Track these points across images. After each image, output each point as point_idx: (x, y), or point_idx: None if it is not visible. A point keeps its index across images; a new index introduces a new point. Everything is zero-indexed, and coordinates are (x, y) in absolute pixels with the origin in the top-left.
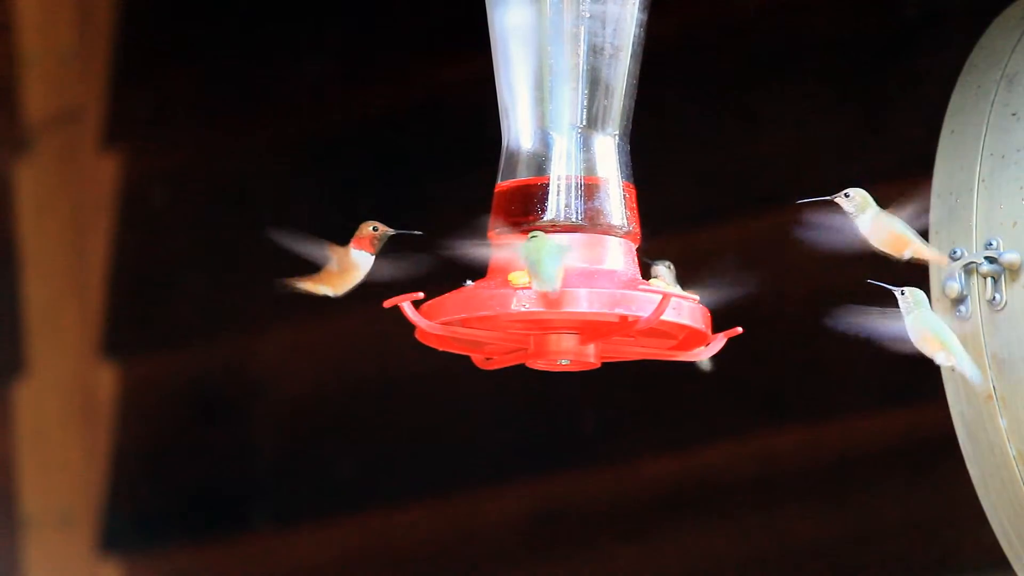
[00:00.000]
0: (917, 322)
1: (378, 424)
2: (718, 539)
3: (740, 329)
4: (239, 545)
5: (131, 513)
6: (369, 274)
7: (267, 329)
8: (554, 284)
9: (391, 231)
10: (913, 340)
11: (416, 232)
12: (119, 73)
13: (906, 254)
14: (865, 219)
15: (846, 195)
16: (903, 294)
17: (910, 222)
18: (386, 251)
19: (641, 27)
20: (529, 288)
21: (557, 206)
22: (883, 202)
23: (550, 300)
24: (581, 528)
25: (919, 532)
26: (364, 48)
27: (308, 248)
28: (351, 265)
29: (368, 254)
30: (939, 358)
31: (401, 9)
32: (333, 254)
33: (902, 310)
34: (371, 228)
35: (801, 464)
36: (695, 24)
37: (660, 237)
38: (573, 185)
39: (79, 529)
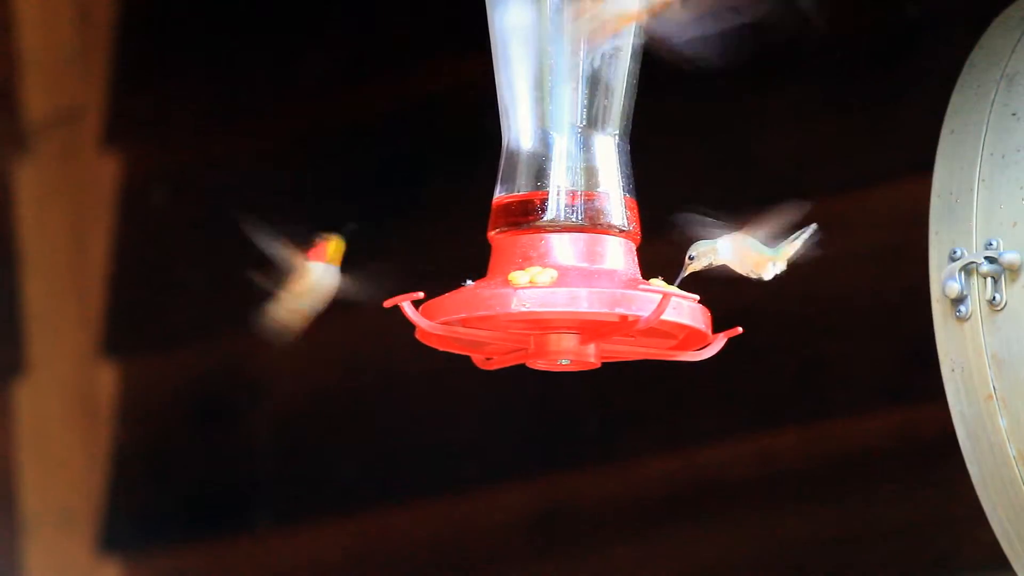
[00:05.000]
0: (734, 247)
1: (378, 424)
2: (718, 539)
3: (740, 329)
4: (239, 545)
5: (131, 513)
6: (368, 277)
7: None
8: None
9: (334, 236)
10: (739, 269)
11: (351, 227)
12: (119, 73)
13: (768, 270)
14: (721, 256)
15: (690, 257)
16: (692, 258)
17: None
18: (383, 253)
19: (641, 27)
20: (529, 287)
21: (557, 206)
22: (884, 203)
23: (542, 292)
24: (581, 528)
25: (919, 532)
26: (365, 48)
27: (273, 248)
28: (312, 280)
29: (335, 266)
30: (770, 271)
31: (402, 9)
32: (294, 261)
33: (710, 262)
34: (326, 240)
35: (801, 464)
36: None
37: (659, 237)
38: (573, 185)
39: (79, 529)
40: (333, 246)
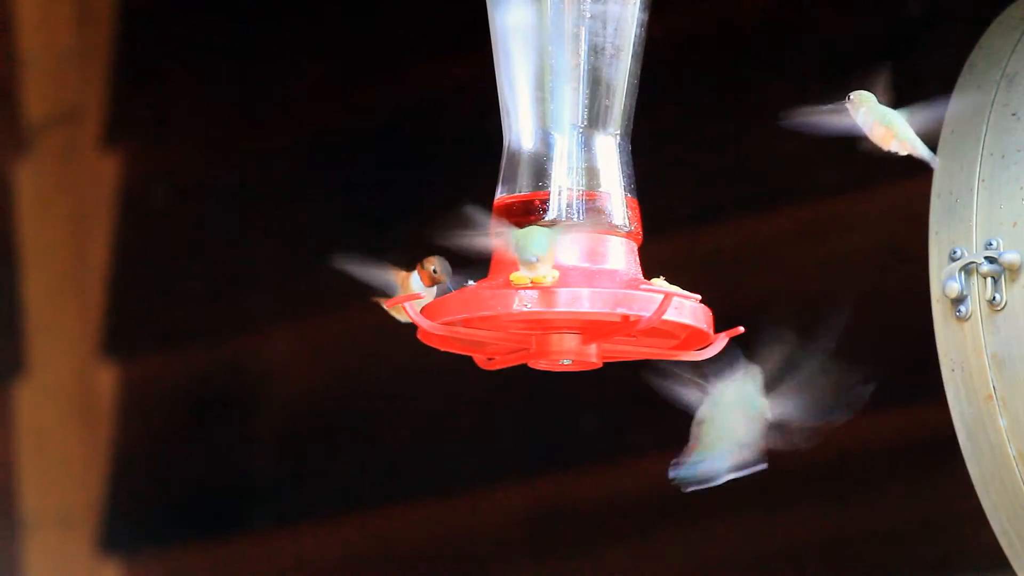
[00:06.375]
0: (867, 114)
1: (378, 424)
2: (718, 539)
3: (742, 328)
4: (239, 545)
5: (131, 513)
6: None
7: (267, 329)
8: (542, 268)
9: (446, 283)
10: (865, 131)
11: (468, 282)
12: (119, 73)
13: (892, 146)
14: (860, 114)
15: (849, 98)
16: (850, 99)
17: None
18: (384, 253)
19: (642, 27)
20: (531, 288)
21: (558, 206)
22: (884, 203)
23: (544, 292)
24: (581, 528)
25: (919, 532)
26: (364, 48)
27: (370, 272)
28: (410, 292)
29: (425, 286)
30: (893, 146)
31: (401, 8)
32: (396, 279)
33: (851, 110)
34: (432, 268)
35: (801, 464)
36: (695, 24)
37: (660, 237)
38: (574, 185)
39: (79, 529)
40: (433, 277)
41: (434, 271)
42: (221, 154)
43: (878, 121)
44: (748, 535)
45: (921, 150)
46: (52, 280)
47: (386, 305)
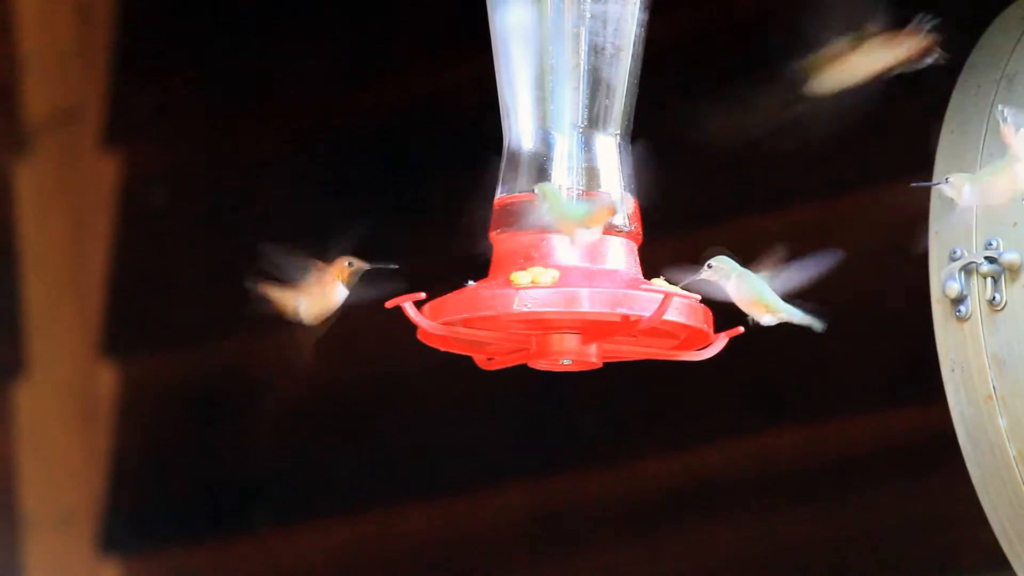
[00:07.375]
0: (741, 285)
1: (378, 424)
2: (718, 539)
3: (741, 328)
4: (239, 545)
5: (131, 513)
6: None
7: (267, 329)
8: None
9: (366, 266)
10: (738, 303)
11: (391, 266)
12: (119, 73)
13: (765, 319)
14: (731, 284)
15: (709, 266)
16: (711, 267)
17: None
18: (384, 253)
19: (642, 27)
20: (531, 288)
21: None
22: (884, 203)
23: (543, 292)
24: (581, 528)
25: (919, 532)
26: (364, 48)
27: (293, 263)
28: (332, 292)
29: (344, 286)
30: (766, 320)
31: (401, 9)
32: (317, 274)
33: (719, 281)
34: (346, 264)
35: (801, 464)
36: (695, 24)
37: (660, 237)
38: (574, 185)
39: (79, 529)
40: (353, 271)
41: (349, 264)
42: (221, 154)
43: (745, 291)
44: (748, 535)
45: (793, 314)
46: (52, 280)
47: (387, 304)
